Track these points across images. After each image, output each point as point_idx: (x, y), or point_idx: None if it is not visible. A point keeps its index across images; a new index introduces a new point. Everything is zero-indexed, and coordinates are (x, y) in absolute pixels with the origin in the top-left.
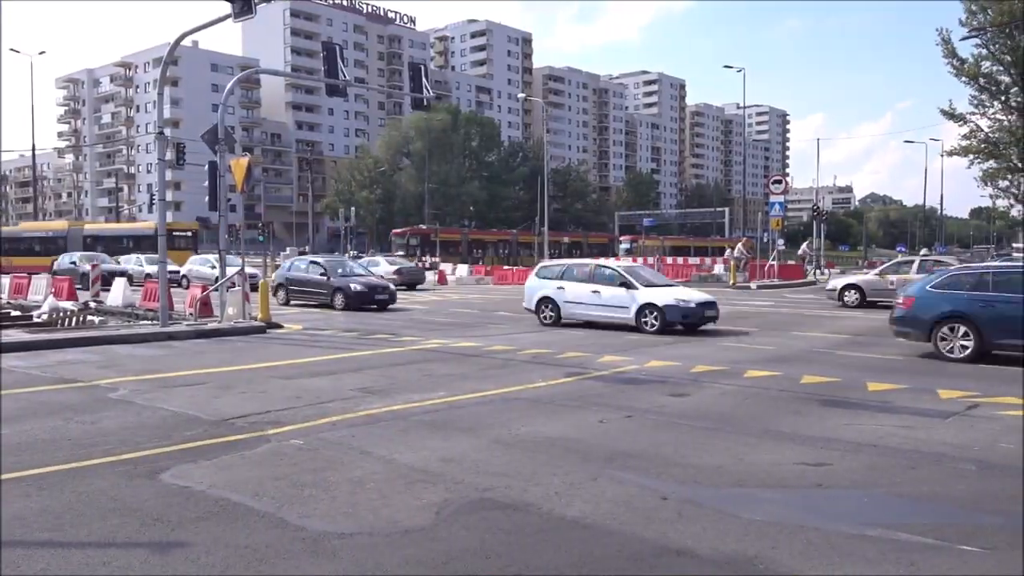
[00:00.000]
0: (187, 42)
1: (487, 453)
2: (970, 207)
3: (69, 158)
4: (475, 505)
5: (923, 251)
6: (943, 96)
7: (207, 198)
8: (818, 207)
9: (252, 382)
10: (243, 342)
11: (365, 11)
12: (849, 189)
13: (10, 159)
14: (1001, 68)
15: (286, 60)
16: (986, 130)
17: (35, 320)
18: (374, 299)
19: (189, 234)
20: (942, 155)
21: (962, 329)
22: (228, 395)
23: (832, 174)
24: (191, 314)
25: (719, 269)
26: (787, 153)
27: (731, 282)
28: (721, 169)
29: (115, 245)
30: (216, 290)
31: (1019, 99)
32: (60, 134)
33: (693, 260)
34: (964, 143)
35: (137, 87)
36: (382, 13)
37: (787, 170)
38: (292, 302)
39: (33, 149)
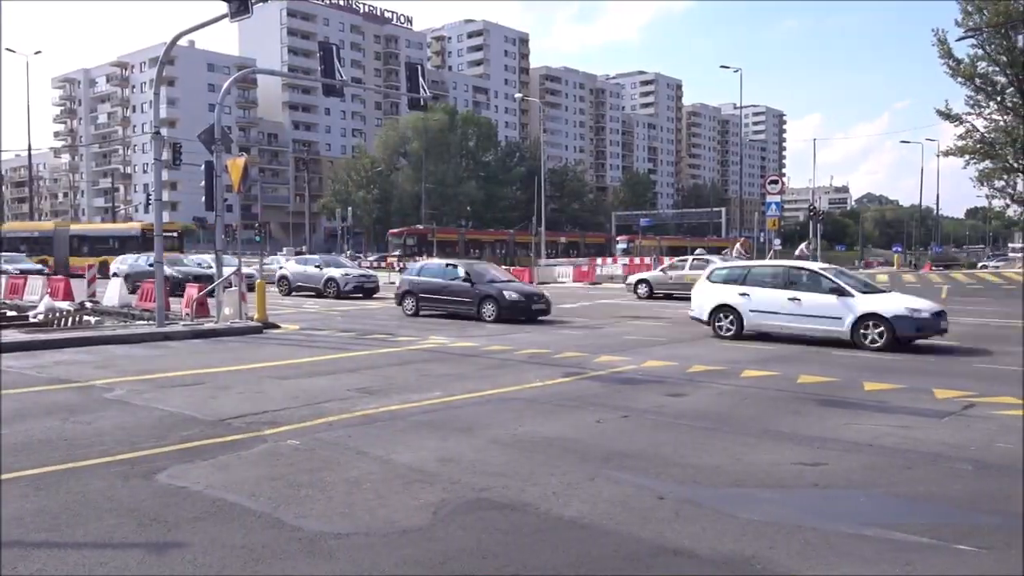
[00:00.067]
0: (183, 42)
1: (484, 453)
2: (966, 207)
3: (65, 158)
4: (472, 505)
5: (697, 251)
6: (941, 96)
7: (203, 198)
8: (814, 207)
9: (249, 382)
10: (240, 342)
11: (362, 11)
12: (845, 189)
13: (6, 159)
14: (997, 68)
15: (283, 60)
16: (982, 130)
17: (31, 320)
18: (531, 309)
19: (175, 234)
20: (938, 155)
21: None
22: (225, 395)
23: (829, 174)
24: (187, 314)
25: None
26: (784, 153)
27: None
28: (718, 169)
29: (101, 245)
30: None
31: (1015, 99)
32: (56, 134)
33: None
34: (960, 143)
35: (133, 87)
36: (379, 13)
37: (784, 170)
38: (423, 312)
39: (29, 149)
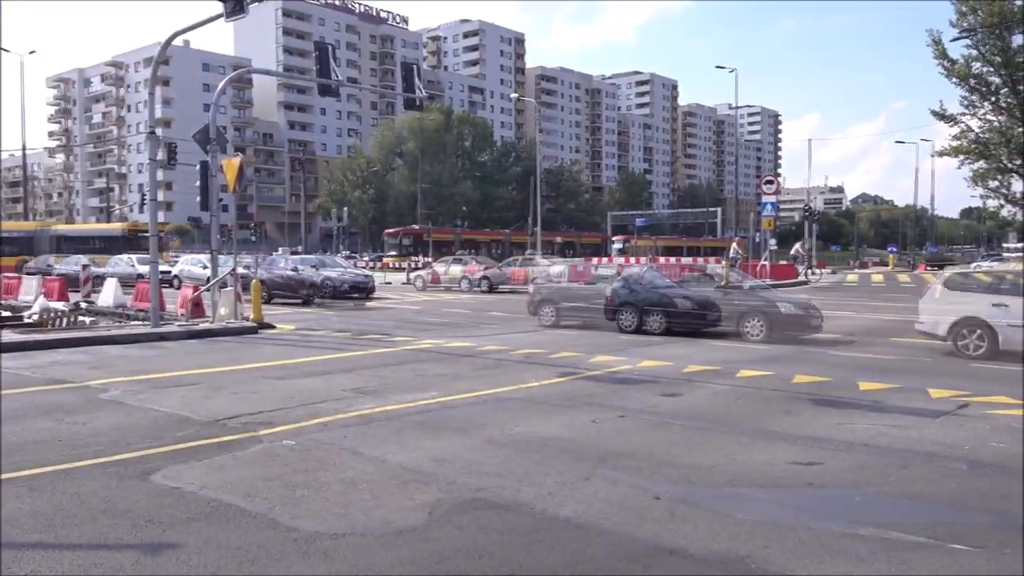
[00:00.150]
0: (179, 42)
1: (480, 453)
2: (960, 207)
3: (60, 158)
4: (468, 505)
5: (527, 251)
6: (938, 96)
7: (199, 198)
8: (810, 207)
9: (244, 383)
10: (235, 342)
11: (358, 11)
12: (840, 189)
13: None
14: (991, 69)
15: (278, 60)
16: (976, 131)
17: (26, 321)
18: (809, 324)
19: (160, 234)
20: (932, 156)
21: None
22: (220, 396)
23: (824, 174)
24: (183, 315)
25: (711, 269)
26: (779, 153)
27: (723, 283)
28: (713, 169)
29: (84, 245)
30: (208, 290)
31: (1009, 100)
32: (51, 134)
33: (686, 260)
34: (955, 144)
35: (128, 87)
36: (374, 13)
37: (780, 170)
38: (563, 323)
39: (24, 149)
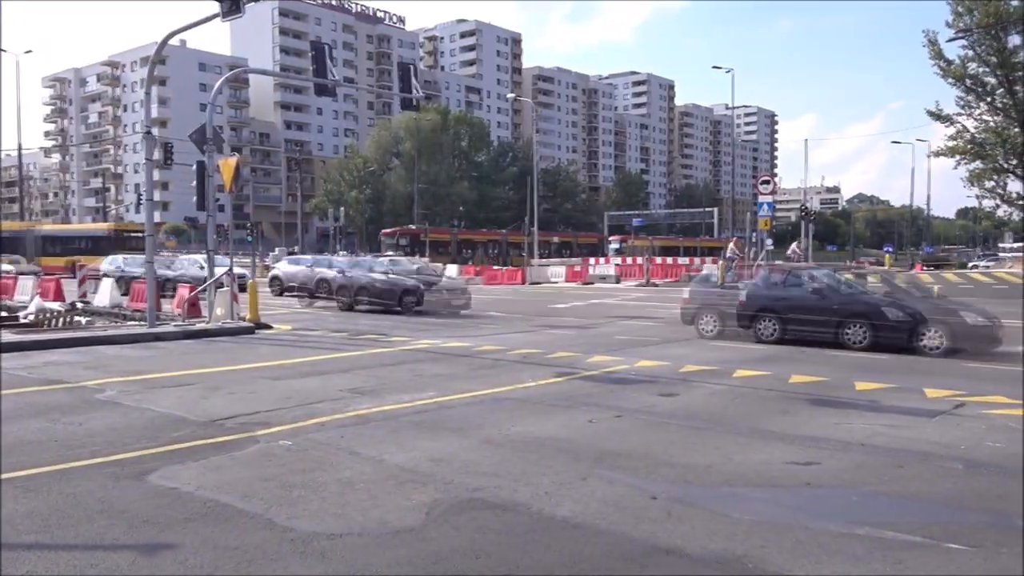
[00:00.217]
0: (175, 41)
1: (477, 453)
2: (957, 207)
3: (56, 158)
4: (465, 505)
5: (389, 254)
6: (935, 97)
7: (195, 198)
8: (806, 207)
9: (241, 383)
10: (232, 343)
11: (354, 11)
12: (837, 189)
13: None
14: (987, 69)
15: (275, 59)
16: (972, 131)
17: (22, 321)
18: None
19: (140, 234)
20: (929, 156)
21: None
22: (216, 396)
23: (821, 174)
24: (179, 315)
25: (707, 269)
26: (775, 153)
27: (720, 282)
28: (710, 169)
29: (71, 246)
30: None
31: (1005, 100)
32: (47, 133)
33: (683, 260)
34: (951, 144)
35: (124, 86)
36: (371, 13)
37: (776, 170)
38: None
39: (20, 148)
